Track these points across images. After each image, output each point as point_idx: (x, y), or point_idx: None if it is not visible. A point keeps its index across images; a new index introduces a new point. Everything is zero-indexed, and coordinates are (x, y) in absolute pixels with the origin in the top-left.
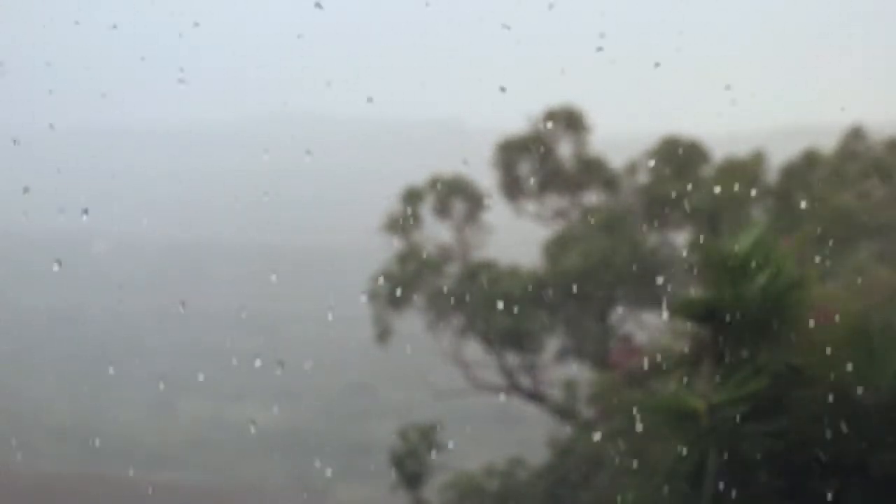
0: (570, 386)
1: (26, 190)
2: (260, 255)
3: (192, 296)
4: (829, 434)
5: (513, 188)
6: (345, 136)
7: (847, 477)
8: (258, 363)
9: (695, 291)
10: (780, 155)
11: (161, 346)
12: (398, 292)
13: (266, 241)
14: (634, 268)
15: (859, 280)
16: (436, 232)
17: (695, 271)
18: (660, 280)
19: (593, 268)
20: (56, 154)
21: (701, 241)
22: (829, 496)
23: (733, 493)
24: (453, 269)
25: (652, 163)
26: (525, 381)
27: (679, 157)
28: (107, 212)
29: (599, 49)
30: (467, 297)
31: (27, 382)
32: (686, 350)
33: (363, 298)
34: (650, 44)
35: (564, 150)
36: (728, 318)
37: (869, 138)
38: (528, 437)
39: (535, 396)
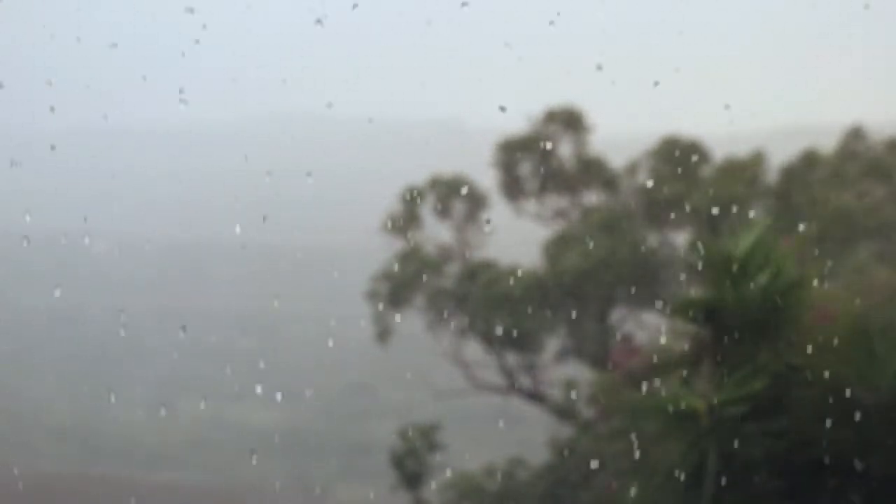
0: (570, 386)
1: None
2: (260, 255)
3: (192, 296)
4: (829, 434)
5: (513, 188)
6: (345, 136)
7: (847, 477)
8: (258, 363)
9: (695, 291)
10: (780, 155)
11: (161, 346)
12: (398, 292)
13: (266, 241)
14: (634, 268)
15: (859, 280)
16: (436, 232)
17: (695, 271)
18: (660, 280)
19: (593, 268)
20: (56, 154)
21: (701, 241)
22: (829, 496)
23: (733, 493)
24: (453, 269)
25: (650, 163)
26: (525, 381)
27: (679, 157)
28: (107, 212)
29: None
30: (467, 297)
31: (27, 382)
32: (686, 350)
33: (363, 298)
34: (650, 43)
35: (564, 150)
36: (728, 318)
37: (869, 138)
38: (528, 437)
39: (535, 396)
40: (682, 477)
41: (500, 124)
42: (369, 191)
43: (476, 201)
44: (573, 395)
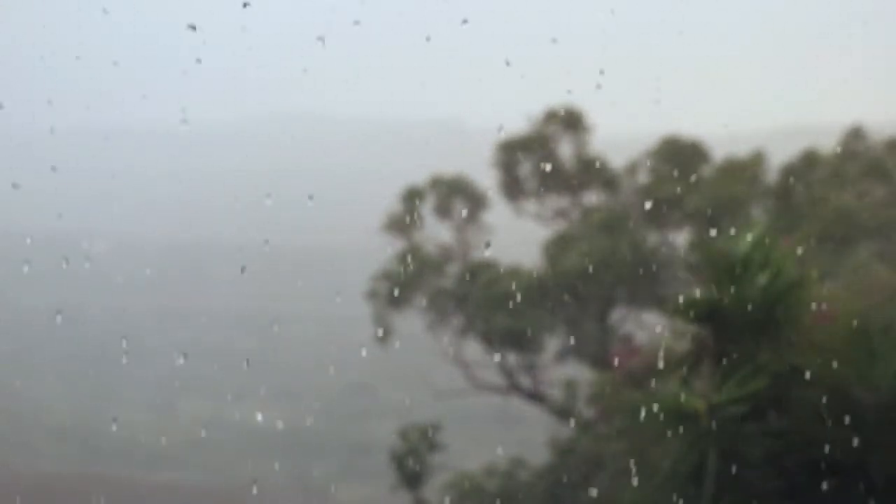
0: (570, 386)
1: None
2: (260, 255)
3: (192, 296)
4: (829, 434)
5: (513, 188)
6: (345, 136)
7: (847, 477)
8: (258, 363)
9: (695, 291)
10: (780, 155)
11: (161, 346)
12: (398, 292)
13: (266, 241)
14: (634, 268)
15: (859, 280)
16: (436, 232)
17: (695, 271)
18: (660, 280)
19: (593, 268)
20: (56, 154)
21: (701, 241)
22: (829, 496)
23: (733, 493)
24: (453, 269)
25: (649, 163)
26: (525, 381)
27: (679, 157)
28: (107, 212)
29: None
30: (467, 297)
31: (27, 382)
32: (686, 350)
33: (363, 298)
34: (651, 43)
35: (564, 150)
36: (728, 318)
37: (869, 138)
38: (528, 437)
39: (535, 396)
40: (682, 477)
41: (500, 124)
42: (369, 191)
43: (476, 201)
44: (573, 395)
